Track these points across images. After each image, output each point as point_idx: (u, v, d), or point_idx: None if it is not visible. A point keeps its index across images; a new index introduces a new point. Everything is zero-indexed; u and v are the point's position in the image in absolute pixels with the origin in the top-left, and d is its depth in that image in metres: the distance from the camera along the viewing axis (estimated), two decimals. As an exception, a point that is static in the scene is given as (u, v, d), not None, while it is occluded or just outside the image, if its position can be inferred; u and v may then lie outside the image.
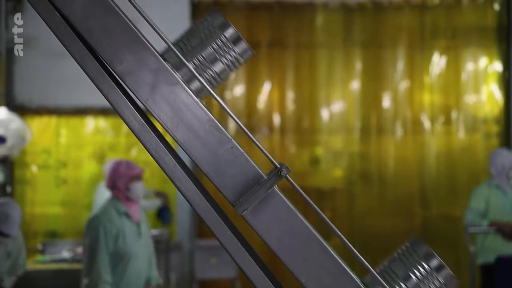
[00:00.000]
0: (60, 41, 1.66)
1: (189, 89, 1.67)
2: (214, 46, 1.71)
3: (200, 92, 1.71)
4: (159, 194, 8.33)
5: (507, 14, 9.33)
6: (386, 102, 9.39)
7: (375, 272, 1.68)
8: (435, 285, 1.71)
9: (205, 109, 1.66)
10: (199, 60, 1.71)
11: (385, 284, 1.67)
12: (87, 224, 5.20)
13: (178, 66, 1.68)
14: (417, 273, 1.71)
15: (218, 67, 1.72)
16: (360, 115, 9.37)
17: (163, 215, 8.33)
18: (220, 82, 1.74)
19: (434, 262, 1.71)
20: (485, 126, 9.39)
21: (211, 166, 1.65)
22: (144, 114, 1.70)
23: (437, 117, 9.38)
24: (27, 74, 8.90)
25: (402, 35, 9.43)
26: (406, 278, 1.71)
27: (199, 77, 1.67)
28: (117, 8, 1.67)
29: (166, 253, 7.86)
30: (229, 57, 1.72)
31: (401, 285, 1.70)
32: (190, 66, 1.68)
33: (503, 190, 7.00)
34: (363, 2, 9.36)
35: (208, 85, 1.70)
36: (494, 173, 7.09)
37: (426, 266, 1.71)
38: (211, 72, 1.72)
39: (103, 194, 8.02)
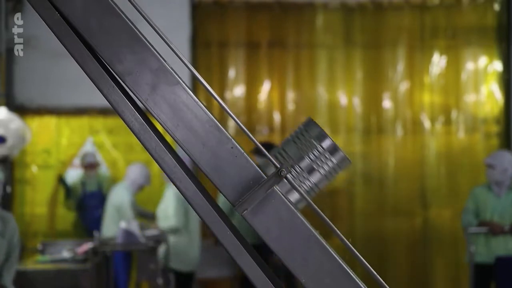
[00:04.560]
0: (60, 41, 1.66)
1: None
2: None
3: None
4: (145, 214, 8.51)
5: (507, 14, 9.33)
6: (386, 102, 9.38)
7: (271, 157, 1.68)
8: (328, 165, 1.71)
9: (205, 109, 1.66)
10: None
11: (277, 165, 1.67)
12: None
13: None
14: (310, 154, 1.71)
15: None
16: (360, 115, 9.37)
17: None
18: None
19: (327, 143, 1.72)
20: (485, 126, 9.39)
21: (211, 166, 1.65)
22: (144, 114, 1.70)
23: (437, 117, 9.38)
24: (27, 74, 8.90)
25: (402, 35, 9.43)
26: (299, 159, 1.71)
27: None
28: (117, 8, 1.67)
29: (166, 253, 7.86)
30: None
31: (294, 166, 1.70)
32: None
33: (495, 193, 7.02)
34: (363, 2, 9.36)
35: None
36: (487, 175, 7.16)
37: (319, 146, 1.71)
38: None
39: (120, 194, 8.04)
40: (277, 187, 1.65)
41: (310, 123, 1.75)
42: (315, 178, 1.72)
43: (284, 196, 1.66)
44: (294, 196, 1.70)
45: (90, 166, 8.68)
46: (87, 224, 8.63)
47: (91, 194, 8.69)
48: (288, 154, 1.72)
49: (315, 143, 1.72)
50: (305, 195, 1.68)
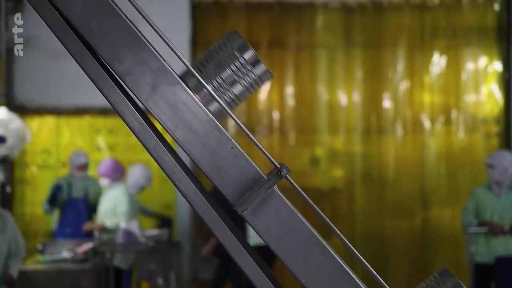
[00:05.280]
0: (60, 41, 1.66)
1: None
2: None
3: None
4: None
5: (507, 14, 9.33)
6: (386, 102, 9.39)
7: (189, 66, 1.68)
8: (249, 77, 1.71)
9: (205, 109, 1.66)
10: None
11: (199, 77, 1.67)
12: None
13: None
14: (231, 65, 1.70)
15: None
16: (360, 115, 9.37)
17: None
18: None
19: (249, 54, 1.71)
20: (485, 126, 9.39)
21: (211, 166, 1.65)
22: (144, 114, 1.70)
23: (437, 117, 9.38)
24: (27, 74, 8.90)
25: (402, 35, 9.43)
26: (221, 70, 1.71)
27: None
28: (117, 8, 1.67)
29: (166, 253, 7.86)
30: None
31: (215, 77, 1.70)
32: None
33: (496, 193, 7.02)
34: (363, 2, 9.36)
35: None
36: (487, 175, 7.16)
37: (240, 58, 1.71)
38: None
39: (118, 194, 8.02)
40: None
41: (233, 35, 1.74)
42: (236, 90, 1.72)
43: (280, 192, 1.66)
44: (214, 107, 1.70)
45: (81, 167, 8.34)
46: (66, 231, 8.26)
47: (76, 201, 8.34)
48: (209, 65, 1.72)
49: (237, 54, 1.72)
50: (224, 105, 1.68)
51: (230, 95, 1.71)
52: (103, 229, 7.72)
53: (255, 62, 1.72)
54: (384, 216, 9.30)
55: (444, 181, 9.34)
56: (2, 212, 5.71)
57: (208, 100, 1.69)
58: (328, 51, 9.44)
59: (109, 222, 7.69)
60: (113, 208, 7.70)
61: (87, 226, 7.90)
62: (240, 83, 1.72)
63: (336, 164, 9.45)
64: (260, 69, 1.73)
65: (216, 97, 1.67)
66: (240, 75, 1.71)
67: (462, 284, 1.70)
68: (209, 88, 1.68)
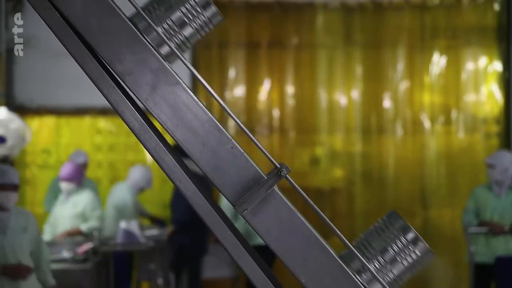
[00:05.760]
0: (60, 41, 1.66)
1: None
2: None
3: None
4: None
5: (507, 14, 9.32)
6: (386, 102, 9.39)
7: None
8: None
9: (205, 109, 1.66)
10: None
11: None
12: None
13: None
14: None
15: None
16: (360, 115, 9.37)
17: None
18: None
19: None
20: (485, 126, 9.39)
21: (211, 166, 1.65)
22: (144, 114, 1.70)
23: (437, 117, 9.38)
24: (27, 74, 8.90)
25: (402, 35, 9.43)
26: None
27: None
28: (117, 8, 1.67)
29: (166, 253, 7.86)
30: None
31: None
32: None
33: (496, 193, 7.01)
34: (363, 2, 9.35)
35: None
36: (487, 175, 7.16)
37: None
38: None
39: (122, 194, 8.00)
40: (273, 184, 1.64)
41: None
42: (186, 32, 1.72)
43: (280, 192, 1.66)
44: (164, 50, 1.70)
45: (80, 166, 8.24)
46: None
47: None
48: (160, 8, 1.72)
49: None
50: (174, 48, 1.68)
51: (181, 37, 1.71)
52: (79, 234, 7.60)
53: (205, 4, 1.72)
54: (384, 216, 9.29)
55: (444, 181, 9.34)
56: (24, 212, 5.76)
57: (158, 42, 1.69)
58: (328, 51, 9.44)
59: (85, 225, 7.61)
60: (81, 213, 7.59)
61: (62, 235, 7.68)
62: (191, 25, 1.72)
63: (336, 164, 9.45)
64: (210, 11, 1.73)
65: (166, 39, 1.67)
66: (190, 17, 1.71)
67: (410, 226, 1.71)
68: (159, 30, 1.68)
